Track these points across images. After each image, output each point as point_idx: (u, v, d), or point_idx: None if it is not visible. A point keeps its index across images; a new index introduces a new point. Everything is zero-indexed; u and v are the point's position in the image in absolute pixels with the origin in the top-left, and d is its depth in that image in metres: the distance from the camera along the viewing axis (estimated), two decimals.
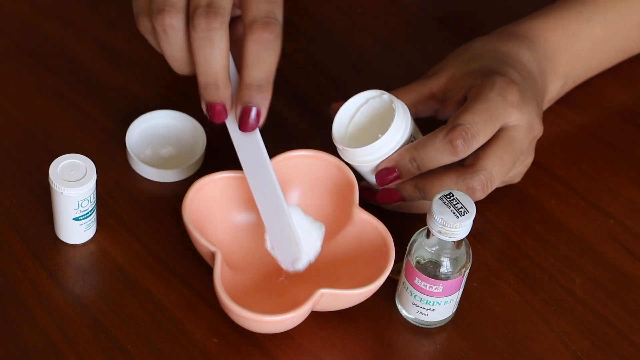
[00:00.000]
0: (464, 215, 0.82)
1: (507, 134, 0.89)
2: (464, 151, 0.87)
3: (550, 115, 1.02)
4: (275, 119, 1.01)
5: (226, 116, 0.85)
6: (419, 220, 0.90)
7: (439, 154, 0.87)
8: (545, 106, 1.00)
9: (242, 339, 0.87)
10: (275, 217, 0.86)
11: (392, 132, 0.88)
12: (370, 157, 0.89)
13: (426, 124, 0.93)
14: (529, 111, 0.90)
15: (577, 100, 1.04)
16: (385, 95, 0.89)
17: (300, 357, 0.87)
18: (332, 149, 0.91)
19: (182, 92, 1.03)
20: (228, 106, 0.85)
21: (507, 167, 0.89)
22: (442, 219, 0.82)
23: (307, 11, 1.10)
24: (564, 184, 0.99)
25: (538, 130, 0.91)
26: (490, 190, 0.89)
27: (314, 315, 0.86)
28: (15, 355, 0.85)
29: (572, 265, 0.94)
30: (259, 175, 0.87)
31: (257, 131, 0.86)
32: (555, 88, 0.99)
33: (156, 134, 0.98)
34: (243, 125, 0.85)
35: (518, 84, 0.90)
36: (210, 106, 0.85)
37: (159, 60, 1.00)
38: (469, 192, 0.88)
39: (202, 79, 0.84)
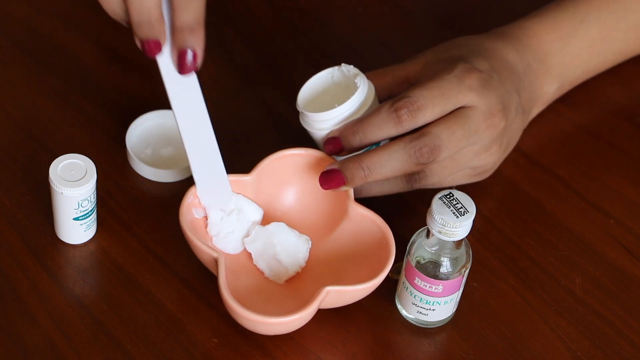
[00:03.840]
0: (464, 215, 0.82)
1: (461, 111, 0.89)
2: (408, 122, 0.87)
3: (550, 115, 1.02)
4: (275, 119, 1.01)
5: (159, 51, 0.86)
6: (419, 220, 0.90)
7: (383, 123, 0.87)
8: (542, 107, 1.00)
9: (242, 339, 0.87)
10: (205, 157, 0.88)
11: (350, 103, 0.88)
12: (323, 124, 0.89)
13: None
14: (489, 97, 0.89)
15: (577, 99, 1.04)
16: (354, 71, 0.90)
17: (300, 357, 0.87)
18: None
19: None
20: (162, 41, 0.86)
21: (456, 138, 0.88)
22: (442, 219, 0.82)
23: (307, 11, 1.10)
24: (563, 184, 0.99)
25: (498, 118, 0.90)
26: (439, 156, 0.87)
27: (314, 315, 0.86)
28: (15, 355, 0.85)
29: (572, 265, 0.94)
30: (191, 116, 0.88)
31: (194, 73, 0.87)
32: (550, 89, 0.99)
33: (156, 134, 0.98)
34: (181, 68, 0.86)
35: (481, 71, 0.90)
36: (145, 43, 0.86)
37: None
38: (418, 155, 0.87)
39: (135, 17, 0.85)
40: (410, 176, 0.90)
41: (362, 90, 0.89)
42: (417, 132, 0.88)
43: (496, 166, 0.95)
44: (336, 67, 0.92)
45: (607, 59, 1.02)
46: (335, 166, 0.88)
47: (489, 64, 0.92)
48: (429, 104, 0.87)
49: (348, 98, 0.89)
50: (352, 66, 0.91)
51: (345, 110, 0.89)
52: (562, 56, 0.98)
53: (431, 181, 0.90)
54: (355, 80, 0.90)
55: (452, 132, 0.88)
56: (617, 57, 1.03)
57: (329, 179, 0.88)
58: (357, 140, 0.88)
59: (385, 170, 0.87)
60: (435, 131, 0.87)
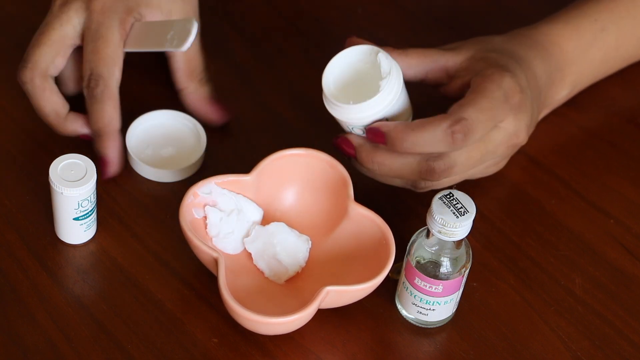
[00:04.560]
0: (464, 215, 0.82)
1: (487, 134, 0.89)
2: (461, 145, 0.87)
3: (550, 115, 1.02)
4: (275, 119, 1.01)
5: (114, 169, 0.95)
6: (419, 220, 0.90)
7: (436, 141, 0.87)
8: (545, 112, 1.00)
9: (242, 339, 0.87)
10: None
11: (386, 91, 0.87)
12: (360, 114, 0.88)
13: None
14: (520, 119, 0.90)
15: (578, 100, 1.04)
16: (381, 54, 0.89)
17: (300, 357, 0.87)
18: (330, 149, 0.91)
19: None
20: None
21: (471, 162, 0.89)
22: (442, 219, 0.82)
23: (307, 11, 1.10)
24: (564, 184, 0.99)
25: (521, 139, 0.91)
26: (448, 177, 0.89)
27: (314, 315, 0.86)
28: (15, 355, 0.85)
29: (572, 265, 0.94)
30: None
31: None
32: (560, 97, 0.99)
33: (156, 134, 0.98)
34: (102, 171, 0.94)
35: (522, 90, 0.90)
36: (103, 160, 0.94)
37: (159, 60, 1.00)
38: (425, 173, 0.88)
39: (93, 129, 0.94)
40: (415, 181, 0.91)
41: (399, 81, 0.88)
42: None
43: (504, 163, 0.96)
44: (355, 48, 0.90)
45: (616, 65, 1.02)
46: (354, 143, 0.90)
47: (526, 79, 0.92)
48: (480, 130, 0.88)
49: (372, 75, 0.87)
50: (374, 47, 0.89)
51: (382, 99, 0.87)
52: (578, 65, 0.98)
53: (433, 186, 0.91)
54: (391, 71, 0.87)
55: (470, 157, 0.89)
56: (624, 63, 1.03)
57: (345, 145, 0.90)
58: (404, 147, 0.87)
59: (391, 172, 0.89)
60: (453, 155, 0.88)
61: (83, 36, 0.94)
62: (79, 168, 0.88)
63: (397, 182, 0.92)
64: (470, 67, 0.92)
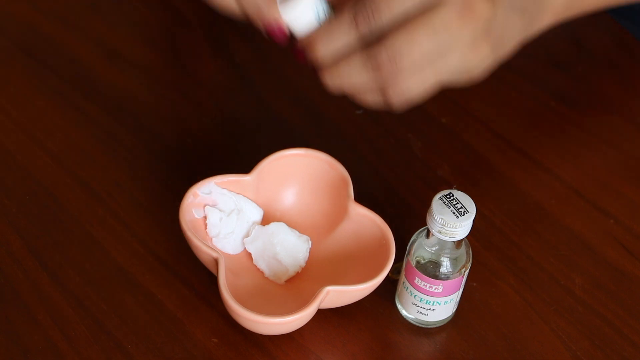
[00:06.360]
0: (464, 215, 0.82)
1: (424, 13, 0.79)
2: (369, 25, 0.79)
3: (550, 115, 1.02)
4: (275, 119, 1.01)
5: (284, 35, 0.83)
6: (419, 220, 0.90)
7: (345, 33, 0.80)
8: (553, 18, 0.89)
9: (242, 339, 0.87)
10: None
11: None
12: (289, 15, 0.83)
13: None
14: None
15: (577, 99, 1.04)
16: None
17: (300, 357, 0.87)
18: (330, 149, 0.91)
19: (183, 92, 1.03)
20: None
21: (421, 46, 0.78)
22: (442, 219, 0.82)
23: None
24: (564, 184, 0.99)
25: (478, 10, 0.79)
26: (402, 68, 0.79)
27: (314, 315, 0.86)
28: (15, 355, 0.85)
29: (572, 265, 0.94)
30: None
31: None
32: None
33: None
34: (273, 36, 0.84)
35: None
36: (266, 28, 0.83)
37: (159, 60, 1.00)
38: (376, 71, 0.79)
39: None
40: (379, 86, 0.82)
41: None
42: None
43: (483, 67, 0.83)
44: None
45: None
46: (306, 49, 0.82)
47: None
48: (383, 6, 0.79)
49: None
50: None
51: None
52: None
53: (403, 88, 0.81)
54: None
55: (413, 41, 0.78)
56: None
57: (298, 55, 0.83)
58: (321, 53, 0.81)
59: (347, 81, 0.82)
60: (390, 41, 0.78)
61: None
62: None
63: (369, 99, 0.83)
64: None
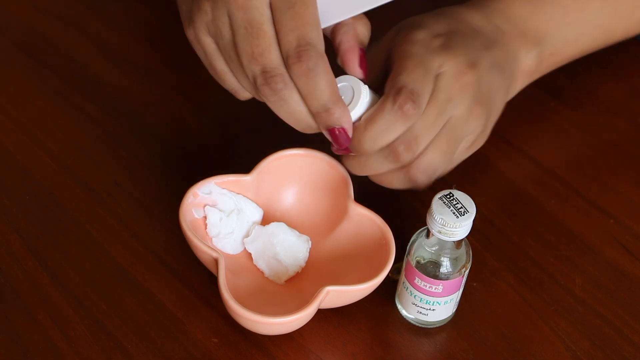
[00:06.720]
0: (464, 215, 0.82)
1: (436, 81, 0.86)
2: (417, 113, 0.84)
3: (550, 115, 1.02)
4: (275, 119, 1.01)
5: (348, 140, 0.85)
6: (419, 220, 0.90)
7: (391, 123, 0.84)
8: (526, 79, 0.97)
9: (242, 339, 0.87)
10: None
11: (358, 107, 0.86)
12: None
13: None
14: (455, 56, 0.87)
15: (577, 99, 1.04)
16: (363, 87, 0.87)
17: (300, 357, 0.87)
18: (330, 149, 0.91)
19: (183, 92, 1.03)
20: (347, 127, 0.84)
21: (431, 120, 0.86)
22: (442, 219, 0.82)
23: None
24: (564, 184, 0.99)
25: (469, 74, 0.87)
26: (418, 148, 0.86)
27: (314, 315, 0.86)
28: (15, 355, 0.85)
29: (572, 265, 0.94)
30: None
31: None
32: (530, 56, 0.96)
33: None
34: (337, 144, 0.85)
35: (443, 35, 0.88)
36: (330, 131, 0.84)
37: (159, 60, 1.00)
38: (394, 158, 0.86)
39: (313, 107, 0.83)
40: (404, 170, 0.89)
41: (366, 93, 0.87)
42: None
43: (487, 131, 0.92)
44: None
45: (585, 31, 0.98)
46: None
47: (446, 26, 0.89)
48: (421, 85, 0.84)
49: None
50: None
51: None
52: (534, 21, 0.95)
53: (429, 170, 0.89)
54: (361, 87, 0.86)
55: (426, 117, 0.85)
56: (596, 31, 0.99)
57: (340, 142, 0.85)
58: (366, 146, 0.85)
59: (375, 174, 0.89)
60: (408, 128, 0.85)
61: (273, 8, 0.81)
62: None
63: (394, 184, 0.91)
64: (389, 47, 0.90)
